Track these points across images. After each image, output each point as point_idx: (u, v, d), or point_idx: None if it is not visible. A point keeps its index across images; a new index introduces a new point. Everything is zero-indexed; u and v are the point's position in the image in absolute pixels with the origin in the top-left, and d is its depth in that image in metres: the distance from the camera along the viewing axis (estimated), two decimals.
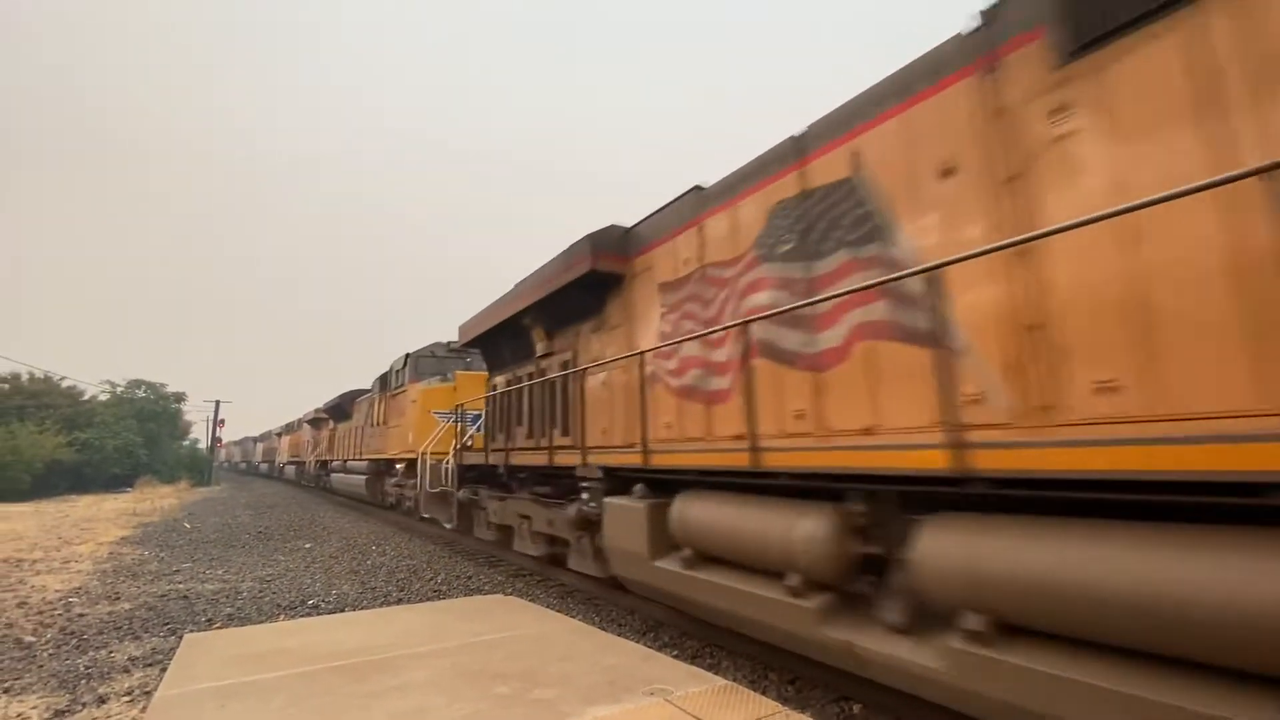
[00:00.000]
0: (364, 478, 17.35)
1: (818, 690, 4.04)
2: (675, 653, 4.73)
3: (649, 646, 4.77)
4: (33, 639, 5.47)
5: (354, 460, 18.79)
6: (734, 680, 3.99)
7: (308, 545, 11.26)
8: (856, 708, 3.76)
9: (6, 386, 33.06)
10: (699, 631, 5.28)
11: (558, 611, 5.99)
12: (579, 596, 6.91)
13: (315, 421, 27.43)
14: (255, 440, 57.42)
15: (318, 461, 25.61)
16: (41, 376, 34.71)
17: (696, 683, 3.75)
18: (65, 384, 35.94)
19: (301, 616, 6.12)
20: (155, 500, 23.50)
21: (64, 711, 3.81)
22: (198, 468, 40.40)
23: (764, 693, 3.80)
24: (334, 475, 21.76)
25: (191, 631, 5.48)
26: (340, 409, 21.95)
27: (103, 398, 38.53)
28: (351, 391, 21.13)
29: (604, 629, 5.34)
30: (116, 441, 34.13)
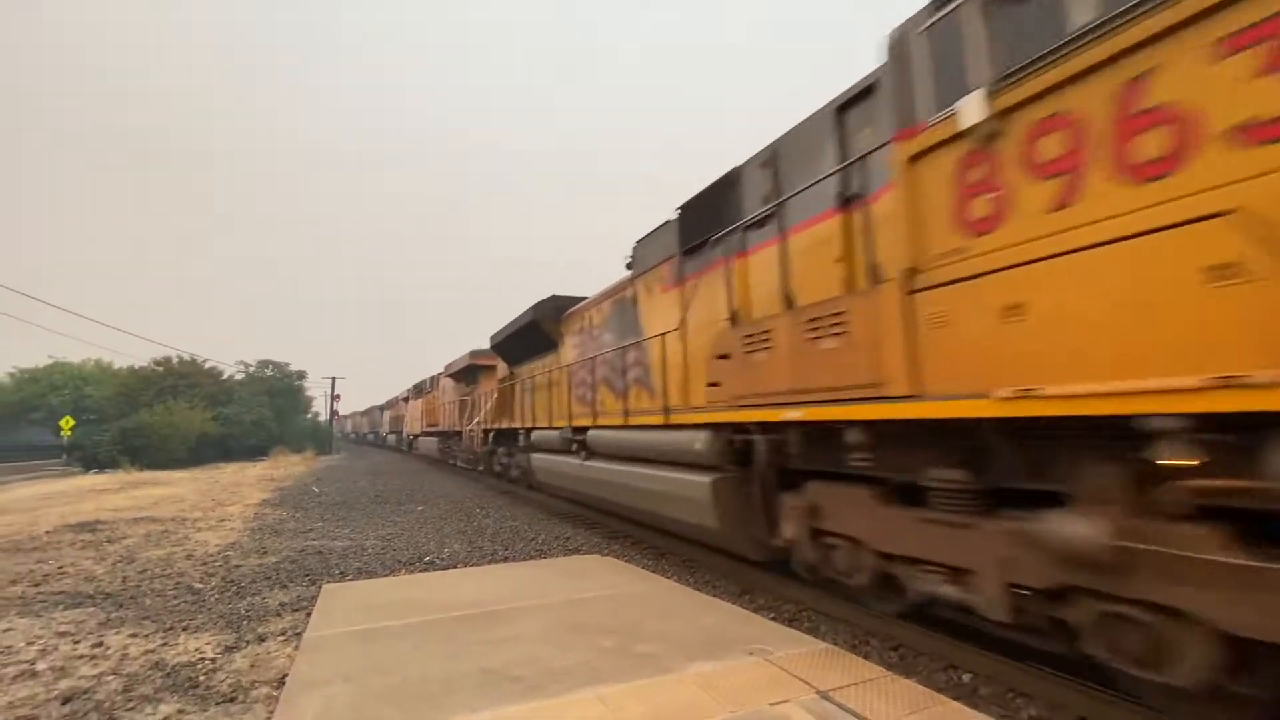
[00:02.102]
0: (704, 483, 5.59)
1: (923, 658, 3.94)
2: (772, 615, 4.76)
3: (745, 609, 4.83)
4: (201, 586, 6.29)
5: (624, 425, 7.64)
6: (833, 645, 3.98)
7: (419, 508, 12.17)
8: (965, 677, 3.65)
9: (161, 369, 37.47)
10: (796, 595, 5.27)
11: (653, 573, 6.17)
12: (674, 559, 7.07)
13: (465, 373, 18.69)
14: (381, 409, 49.45)
15: (489, 432, 15.28)
16: (188, 359, 39.08)
17: (796, 644, 3.78)
18: (207, 365, 40.29)
19: (419, 571, 6.66)
20: (287, 468, 26.12)
21: (232, 647, 4.39)
22: (320, 439, 44.39)
23: (865, 658, 3.76)
24: (540, 459, 10.84)
25: (329, 582, 6.12)
26: (525, 338, 12.19)
27: (238, 377, 42.94)
28: (549, 300, 11.24)
29: (699, 590, 5.46)
30: (253, 416, 38.10)
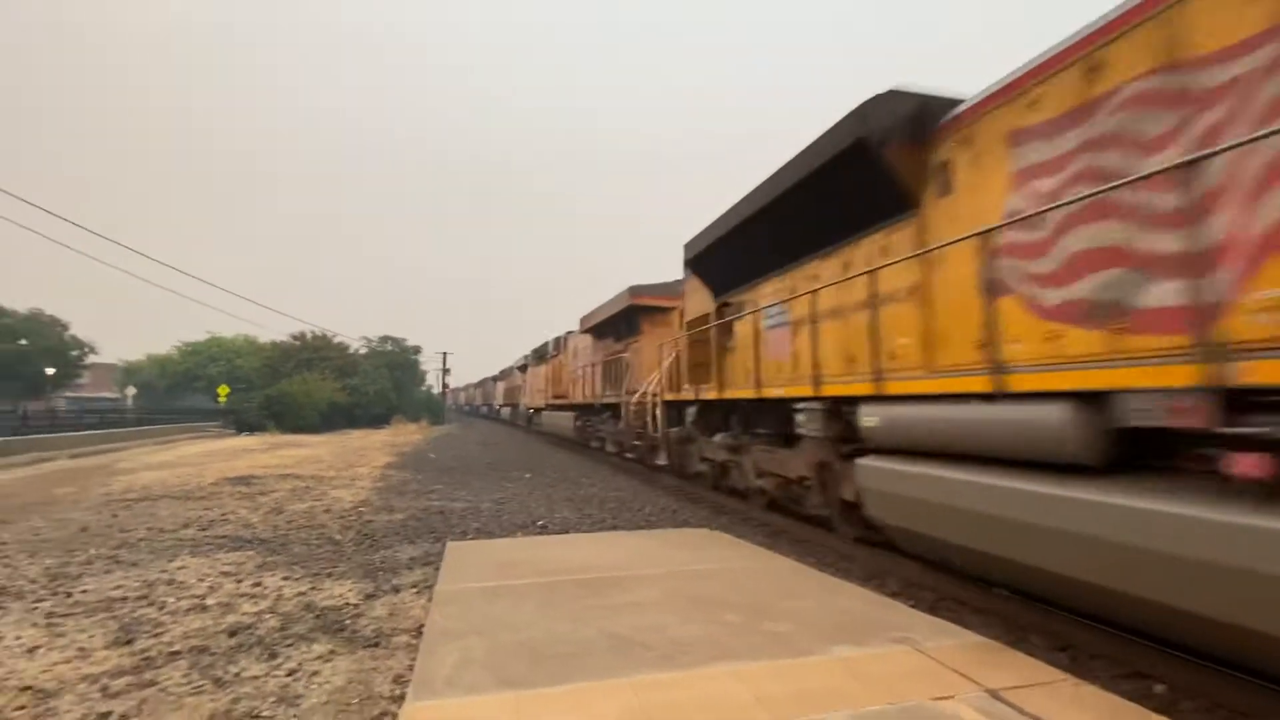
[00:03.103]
0: None
1: (1099, 661, 3.45)
2: (910, 602, 4.38)
3: (877, 593, 4.48)
4: (339, 538, 6.76)
5: None
6: (988, 639, 3.57)
7: (528, 475, 12.57)
8: (1159, 688, 3.13)
9: (298, 343, 41.31)
10: (932, 582, 4.85)
11: (768, 550, 5.91)
12: (787, 537, 6.78)
13: (617, 321, 14.06)
14: (494, 380, 48.34)
15: (683, 405, 10.03)
16: (320, 334, 42.77)
17: (946, 635, 3.42)
18: (336, 340, 43.93)
19: (533, 535, 6.81)
20: (406, 435, 28.04)
21: (371, 595, 4.63)
22: (433, 409, 47.39)
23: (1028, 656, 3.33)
24: (925, 481, 4.28)
25: (452, 540, 6.36)
26: (811, 205, 6.06)
27: (361, 351, 46.54)
28: (885, 97, 4.99)
29: (822, 571, 5.15)
30: (375, 387, 41.25)
